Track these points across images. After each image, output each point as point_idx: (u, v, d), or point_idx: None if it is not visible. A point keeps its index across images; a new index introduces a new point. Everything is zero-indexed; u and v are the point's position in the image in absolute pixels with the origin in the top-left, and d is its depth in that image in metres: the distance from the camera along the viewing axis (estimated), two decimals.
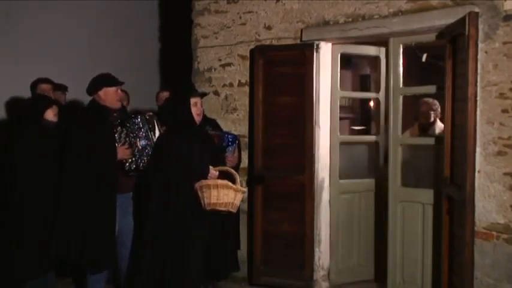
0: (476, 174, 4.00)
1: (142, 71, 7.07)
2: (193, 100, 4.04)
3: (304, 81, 4.92)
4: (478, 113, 4.00)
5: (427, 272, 4.50)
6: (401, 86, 4.64)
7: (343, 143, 5.19)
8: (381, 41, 4.85)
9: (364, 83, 6.46)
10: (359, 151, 5.40)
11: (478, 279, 3.98)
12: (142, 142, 4.20)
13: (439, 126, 5.11)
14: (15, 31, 6.14)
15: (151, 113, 4.40)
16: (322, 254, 5.02)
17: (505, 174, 3.93)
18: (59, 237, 4.05)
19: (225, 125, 5.26)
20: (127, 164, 4.18)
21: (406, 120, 4.75)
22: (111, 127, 4.20)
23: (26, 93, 5.23)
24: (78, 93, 5.83)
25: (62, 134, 4.29)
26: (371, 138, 5.46)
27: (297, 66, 4.94)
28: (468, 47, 3.84)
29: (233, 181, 3.94)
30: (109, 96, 4.23)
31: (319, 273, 5.00)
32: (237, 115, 5.43)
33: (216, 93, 5.53)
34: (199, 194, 3.86)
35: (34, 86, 5.29)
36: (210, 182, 3.87)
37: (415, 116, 5.29)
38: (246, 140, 5.34)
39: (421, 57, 6.13)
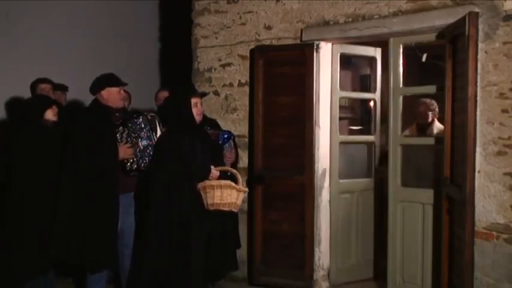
0: (476, 174, 4.01)
1: (142, 71, 7.06)
2: (193, 100, 4.05)
3: (304, 81, 4.92)
4: (478, 113, 4.00)
5: (427, 272, 4.50)
6: (401, 86, 4.64)
7: (342, 143, 5.20)
8: (380, 41, 4.85)
9: (364, 83, 6.46)
10: (357, 151, 5.41)
11: (478, 279, 3.98)
12: (144, 142, 4.20)
13: (437, 126, 5.13)
14: (15, 31, 6.13)
15: (153, 114, 4.41)
16: (322, 254, 5.02)
17: (505, 174, 3.93)
18: (60, 236, 4.05)
19: (225, 125, 5.26)
20: (128, 164, 4.18)
21: (404, 120, 4.75)
22: (113, 127, 4.21)
23: (26, 93, 5.22)
24: (78, 93, 5.85)
25: (62, 133, 4.29)
26: (370, 138, 5.48)
27: (297, 66, 4.94)
28: (468, 47, 3.84)
29: (234, 180, 3.97)
30: (112, 96, 4.23)
31: (319, 273, 5.00)
32: (237, 115, 5.43)
33: (216, 93, 5.53)
34: (202, 195, 3.89)
35: (34, 86, 5.29)
36: (213, 182, 3.90)
37: (414, 116, 5.30)
38: (246, 140, 5.34)
39: (421, 57, 6.12)
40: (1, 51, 6.02)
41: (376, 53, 5.34)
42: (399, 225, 4.66)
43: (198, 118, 4.07)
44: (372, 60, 5.44)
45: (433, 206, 4.46)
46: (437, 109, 5.18)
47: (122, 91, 4.33)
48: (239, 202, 3.97)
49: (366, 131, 5.57)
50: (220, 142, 4.42)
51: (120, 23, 7.11)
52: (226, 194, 3.87)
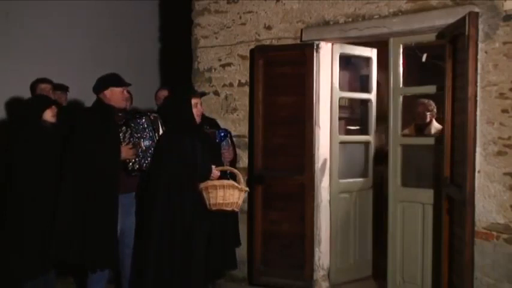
0: (476, 174, 4.01)
1: (142, 71, 7.06)
2: (193, 101, 4.06)
3: (304, 81, 4.92)
4: (478, 113, 4.00)
5: (427, 272, 4.50)
6: (401, 86, 4.64)
7: (340, 143, 5.20)
8: (380, 41, 4.85)
9: (364, 83, 6.47)
10: (355, 150, 5.42)
11: (478, 279, 3.98)
12: (146, 142, 4.21)
13: (435, 126, 5.16)
14: (15, 31, 6.14)
15: (156, 114, 4.41)
16: (322, 254, 5.02)
17: (505, 174, 3.93)
18: (60, 236, 4.04)
19: (225, 125, 5.25)
20: (130, 164, 4.18)
21: (403, 120, 4.76)
22: (116, 126, 4.21)
23: (26, 93, 5.23)
24: (78, 93, 5.86)
25: (62, 133, 4.29)
26: (368, 138, 5.50)
27: (297, 66, 4.94)
28: (468, 47, 3.84)
29: (234, 179, 4.01)
30: (115, 96, 4.23)
31: (319, 273, 5.00)
32: (237, 115, 5.43)
33: (216, 93, 5.53)
34: (205, 195, 3.90)
35: (34, 86, 5.29)
36: (216, 182, 3.92)
37: (413, 116, 5.32)
38: (246, 140, 5.34)
39: (421, 57, 6.13)
40: (1, 51, 6.02)
41: (372, 53, 5.36)
42: (399, 225, 4.66)
43: (197, 119, 4.09)
44: (368, 60, 5.45)
45: (433, 206, 4.46)
46: (435, 109, 5.21)
47: (125, 91, 4.33)
48: (240, 202, 4.01)
49: (363, 131, 5.59)
50: (217, 140, 4.43)
51: (120, 23, 7.11)
52: (228, 194, 3.90)
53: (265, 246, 5.08)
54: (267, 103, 5.09)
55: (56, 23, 6.47)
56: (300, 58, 4.93)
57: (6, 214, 4.25)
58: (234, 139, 5.13)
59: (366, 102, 5.52)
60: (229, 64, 5.46)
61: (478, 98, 4.00)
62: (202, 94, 4.48)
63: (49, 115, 4.38)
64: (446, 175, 4.21)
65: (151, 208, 3.94)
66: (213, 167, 4.01)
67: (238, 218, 4.75)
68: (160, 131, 4.30)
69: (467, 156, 3.84)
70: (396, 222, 4.66)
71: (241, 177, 4.08)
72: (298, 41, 5.02)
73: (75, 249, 4.03)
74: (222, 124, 5.17)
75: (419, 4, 4.36)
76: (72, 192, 4.07)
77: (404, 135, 4.84)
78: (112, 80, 4.27)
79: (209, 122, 4.74)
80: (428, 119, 5.21)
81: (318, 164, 4.95)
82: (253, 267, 5.14)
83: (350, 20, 4.75)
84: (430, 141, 4.70)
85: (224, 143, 4.48)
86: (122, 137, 4.19)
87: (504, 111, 3.94)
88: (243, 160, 5.32)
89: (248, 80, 5.33)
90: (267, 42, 5.19)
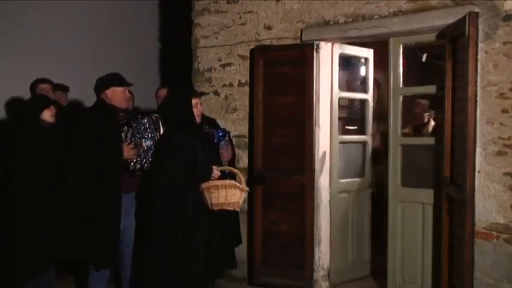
0: (476, 174, 4.01)
1: (142, 71, 7.05)
2: (194, 101, 4.07)
3: (304, 81, 4.92)
4: (478, 113, 4.00)
5: (427, 272, 4.50)
6: (401, 86, 4.64)
7: (340, 143, 5.21)
8: (379, 40, 4.85)
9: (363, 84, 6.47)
10: (352, 150, 5.42)
11: (478, 279, 3.98)
12: (148, 143, 4.20)
13: (432, 125, 5.17)
14: (15, 31, 6.14)
15: (157, 115, 4.40)
16: (322, 254, 5.02)
17: (505, 174, 3.93)
18: (63, 235, 4.04)
19: (225, 125, 5.25)
20: (131, 164, 4.18)
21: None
22: (118, 126, 4.21)
23: (26, 93, 5.22)
24: (78, 93, 5.86)
25: (62, 133, 4.29)
26: (365, 138, 5.52)
27: (297, 66, 4.94)
28: (468, 47, 3.84)
29: (234, 179, 4.02)
30: (116, 96, 4.23)
31: (319, 273, 5.00)
32: (237, 115, 5.43)
33: (216, 93, 5.52)
34: (206, 195, 3.91)
35: (34, 86, 5.29)
36: (218, 182, 3.94)
37: (411, 116, 5.34)
38: (246, 140, 5.34)
39: (421, 57, 6.13)
40: (1, 51, 6.02)
41: (369, 54, 5.37)
42: (399, 225, 4.66)
43: (198, 119, 4.09)
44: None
45: (433, 206, 4.47)
46: (433, 110, 5.24)
47: (126, 91, 4.33)
48: (241, 201, 4.03)
49: (360, 131, 5.61)
50: (215, 140, 4.43)
51: (120, 23, 7.11)
52: (230, 194, 3.92)
53: (265, 246, 5.08)
54: (267, 103, 5.09)
55: (56, 23, 6.47)
56: (300, 58, 4.93)
57: (6, 214, 4.25)
58: (234, 139, 5.14)
59: (363, 102, 5.53)
60: (229, 64, 5.46)
61: (478, 98, 4.00)
62: (202, 94, 4.48)
63: (47, 115, 4.37)
64: (446, 175, 4.21)
65: (152, 208, 3.94)
66: (214, 167, 4.02)
67: (239, 217, 4.76)
68: (161, 131, 4.30)
69: (467, 156, 3.84)
70: (396, 222, 4.66)
71: (242, 177, 4.08)
72: (298, 41, 5.02)
73: (77, 249, 4.03)
74: (222, 124, 5.16)
75: (419, 4, 4.36)
76: (76, 191, 4.06)
77: (404, 135, 4.85)
78: (113, 79, 4.27)
79: (209, 122, 4.74)
80: (426, 120, 5.23)
81: (318, 164, 4.95)
82: (253, 267, 5.14)
83: (350, 20, 4.75)
84: (430, 141, 4.70)
85: (222, 142, 4.48)
86: (123, 137, 4.19)
87: (504, 111, 3.94)
88: (243, 160, 5.32)
89: (248, 80, 5.33)
90: (267, 42, 5.19)
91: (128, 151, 4.15)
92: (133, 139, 4.19)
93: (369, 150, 5.47)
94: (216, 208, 3.93)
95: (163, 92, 5.00)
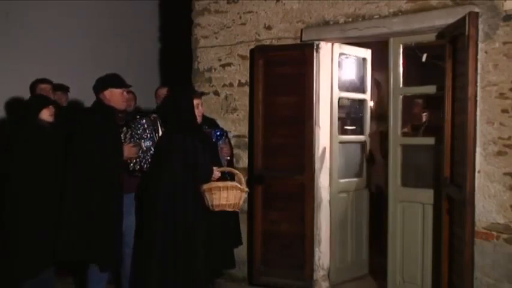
0: (476, 174, 4.01)
1: (142, 71, 7.06)
2: (195, 101, 4.06)
3: (304, 81, 4.92)
4: (478, 113, 4.01)
5: (427, 272, 4.50)
6: (401, 86, 4.64)
7: (340, 143, 5.21)
8: (379, 40, 4.85)
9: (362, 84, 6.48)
10: (351, 150, 5.43)
11: (478, 279, 3.98)
12: (147, 143, 4.20)
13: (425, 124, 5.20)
14: (15, 31, 6.14)
15: (155, 115, 4.40)
16: (322, 254, 5.02)
17: (505, 174, 3.93)
18: (64, 236, 4.03)
19: (225, 125, 5.25)
20: (131, 164, 4.18)
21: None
22: (117, 127, 4.21)
23: (26, 93, 5.22)
24: (78, 93, 5.86)
25: (62, 133, 4.29)
26: (363, 137, 5.53)
27: (297, 66, 4.94)
28: (468, 47, 3.84)
29: (233, 180, 4.02)
30: (114, 97, 4.21)
31: (319, 273, 5.00)
32: (237, 115, 5.43)
33: (216, 93, 5.52)
34: (208, 196, 3.91)
35: (33, 86, 5.28)
36: (220, 184, 3.95)
37: (410, 117, 5.36)
38: (246, 140, 5.34)
39: (421, 57, 6.13)
40: (1, 51, 6.02)
41: (367, 54, 5.38)
42: (399, 225, 4.66)
43: (199, 119, 4.09)
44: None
45: (433, 206, 4.47)
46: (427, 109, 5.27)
47: (125, 93, 4.31)
48: (241, 202, 4.03)
49: (358, 131, 5.62)
50: (213, 140, 4.43)
51: (120, 23, 7.12)
52: (232, 195, 3.93)
53: (265, 246, 5.08)
54: (267, 103, 5.09)
55: (56, 23, 6.47)
56: (300, 58, 4.93)
57: (5, 214, 4.25)
58: (234, 139, 5.14)
59: (361, 102, 5.54)
60: (229, 64, 5.46)
61: (478, 98, 4.00)
62: (202, 94, 4.48)
63: (46, 114, 4.37)
64: (446, 175, 4.21)
65: (152, 208, 3.93)
66: (215, 168, 4.02)
67: (239, 217, 4.76)
68: (160, 131, 4.30)
69: (467, 156, 3.84)
70: (396, 222, 4.66)
71: (242, 177, 4.08)
72: (298, 41, 5.02)
73: (78, 249, 4.02)
74: (222, 124, 5.16)
75: (419, 4, 4.36)
76: (75, 192, 4.05)
77: (404, 134, 4.85)
78: (112, 81, 4.25)
79: (209, 122, 4.74)
80: (424, 119, 5.25)
81: (318, 164, 4.95)
82: (253, 267, 5.14)
83: (350, 20, 4.75)
84: (430, 141, 4.70)
85: (221, 142, 4.49)
86: (123, 138, 4.19)
87: (504, 111, 3.94)
88: (243, 160, 5.32)
89: (248, 80, 5.33)
90: (267, 42, 5.19)
91: (128, 150, 4.14)
92: (132, 140, 4.19)
93: (367, 150, 5.48)
94: (216, 209, 3.93)
95: (163, 92, 4.99)
